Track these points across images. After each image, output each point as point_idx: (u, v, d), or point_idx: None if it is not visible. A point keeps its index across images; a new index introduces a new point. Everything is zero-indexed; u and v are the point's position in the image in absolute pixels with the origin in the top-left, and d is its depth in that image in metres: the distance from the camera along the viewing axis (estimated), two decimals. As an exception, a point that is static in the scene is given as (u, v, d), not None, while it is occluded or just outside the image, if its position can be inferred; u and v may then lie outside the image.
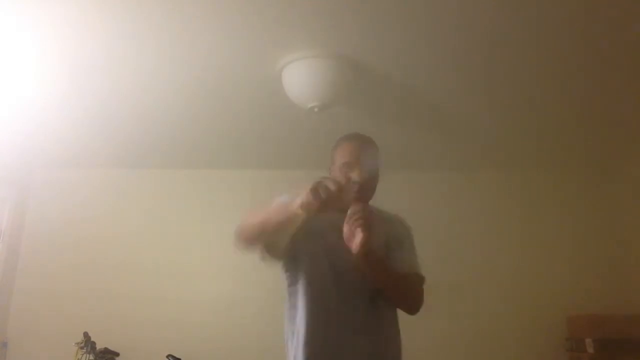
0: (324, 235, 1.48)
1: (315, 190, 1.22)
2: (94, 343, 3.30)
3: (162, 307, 3.59)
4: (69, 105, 2.85)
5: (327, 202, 1.22)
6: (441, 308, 3.12)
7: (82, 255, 3.72)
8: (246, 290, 3.53)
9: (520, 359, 3.37)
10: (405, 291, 1.52)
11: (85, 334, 3.31)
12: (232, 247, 1.45)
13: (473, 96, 2.70)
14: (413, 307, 1.52)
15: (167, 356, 3.29)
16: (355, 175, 1.52)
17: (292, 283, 1.52)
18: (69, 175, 3.90)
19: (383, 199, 1.60)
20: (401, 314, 1.54)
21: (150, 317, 3.56)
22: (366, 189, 1.55)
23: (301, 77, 2.37)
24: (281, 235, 1.41)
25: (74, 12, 1.99)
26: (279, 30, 2.13)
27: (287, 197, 1.40)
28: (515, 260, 3.61)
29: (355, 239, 1.30)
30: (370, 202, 1.57)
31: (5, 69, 2.46)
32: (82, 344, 3.27)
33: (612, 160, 3.61)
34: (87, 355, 3.26)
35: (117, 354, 3.35)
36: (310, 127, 3.05)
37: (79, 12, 1.99)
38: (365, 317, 1.45)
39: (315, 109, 2.40)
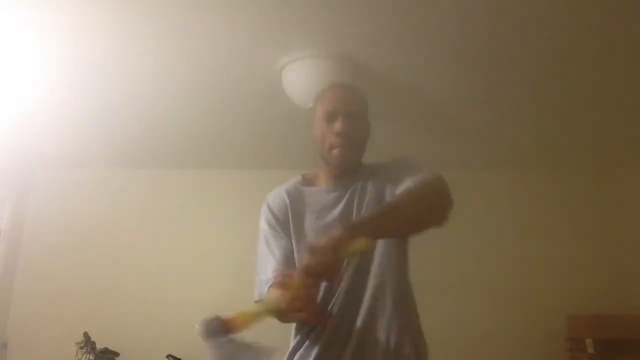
0: None
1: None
2: (94, 343, 3.30)
3: (162, 307, 3.59)
4: (69, 105, 2.86)
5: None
6: (441, 308, 3.12)
7: (82, 255, 3.72)
8: (246, 290, 3.49)
9: (520, 359, 3.37)
10: (414, 211, 1.20)
11: (85, 334, 3.31)
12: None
13: (473, 96, 2.70)
14: (435, 219, 1.22)
15: (167, 356, 3.29)
16: (338, 125, 1.34)
17: None
18: (69, 175, 3.90)
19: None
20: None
21: (150, 317, 3.56)
22: (351, 144, 1.35)
23: (301, 77, 2.37)
24: None
25: (74, 12, 1.99)
26: (279, 30, 2.13)
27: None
28: (515, 260, 3.61)
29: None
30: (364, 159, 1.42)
31: (5, 69, 2.46)
32: (82, 344, 3.27)
33: (613, 160, 3.60)
34: (87, 355, 3.26)
35: (117, 354, 3.35)
36: (310, 127, 3.04)
37: (79, 13, 2.00)
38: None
39: (316, 109, 2.40)
